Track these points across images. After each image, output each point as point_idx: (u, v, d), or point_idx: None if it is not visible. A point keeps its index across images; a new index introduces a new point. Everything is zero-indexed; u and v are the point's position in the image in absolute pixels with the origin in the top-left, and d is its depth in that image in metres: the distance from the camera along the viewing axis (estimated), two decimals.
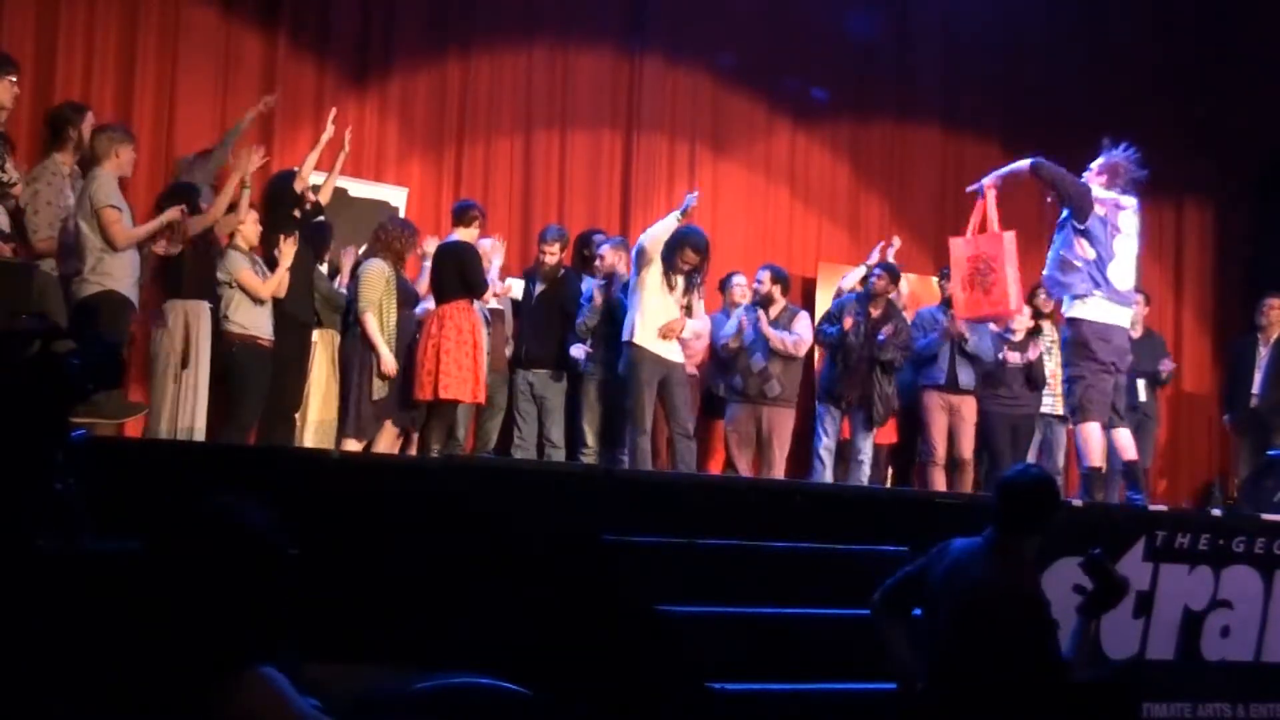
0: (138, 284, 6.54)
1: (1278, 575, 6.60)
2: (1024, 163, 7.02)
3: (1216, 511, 7.35)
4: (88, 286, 6.29)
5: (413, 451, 7.55)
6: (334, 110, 7.61)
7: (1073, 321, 6.82)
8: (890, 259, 8.79)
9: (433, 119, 9.15)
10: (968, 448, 8.42)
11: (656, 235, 7.37)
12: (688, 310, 7.54)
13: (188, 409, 6.50)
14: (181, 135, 8.11)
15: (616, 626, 5.01)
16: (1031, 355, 8.54)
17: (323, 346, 7.46)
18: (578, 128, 9.63)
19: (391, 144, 8.97)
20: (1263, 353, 9.17)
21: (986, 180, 7.20)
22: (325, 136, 7.39)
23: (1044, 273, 7.19)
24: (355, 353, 7.28)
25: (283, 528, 2.53)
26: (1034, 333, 8.67)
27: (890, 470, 9.16)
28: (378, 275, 7.25)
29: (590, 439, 7.92)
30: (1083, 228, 6.69)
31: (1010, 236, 7.08)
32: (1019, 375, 8.57)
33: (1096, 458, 6.72)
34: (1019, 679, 4.04)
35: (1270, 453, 8.28)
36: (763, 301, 8.35)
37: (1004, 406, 8.57)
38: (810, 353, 8.70)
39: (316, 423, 7.37)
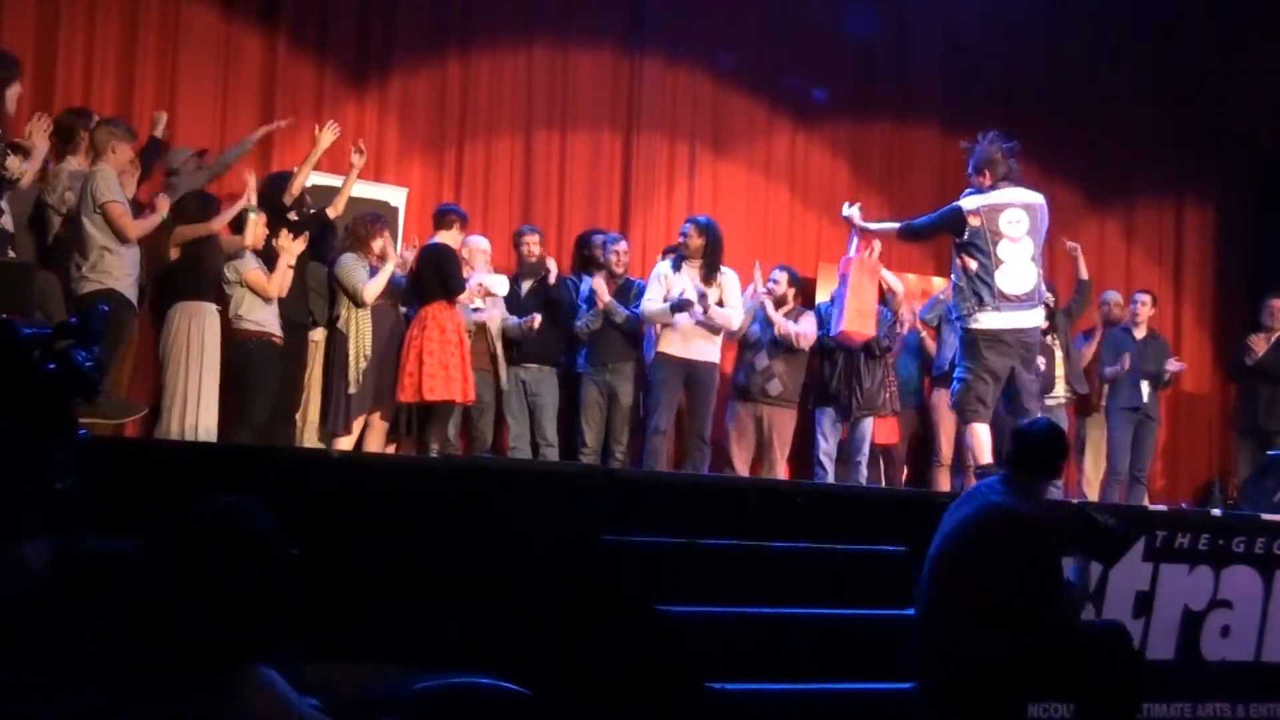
0: (137, 284, 6.53)
1: (1278, 575, 6.60)
2: (893, 227, 7.21)
3: (1216, 511, 7.34)
4: (86, 284, 6.25)
5: (395, 449, 7.56)
6: (331, 122, 7.59)
7: (964, 329, 6.67)
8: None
9: (433, 119, 9.13)
10: None
11: (650, 314, 7.80)
12: (719, 303, 7.59)
13: (194, 409, 6.51)
14: (181, 135, 8.08)
15: (616, 626, 5.01)
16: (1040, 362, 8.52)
17: (324, 346, 7.46)
18: (578, 128, 9.62)
19: (391, 144, 8.96)
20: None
21: (858, 220, 7.21)
22: (319, 149, 7.40)
23: None
24: (336, 349, 7.32)
25: (283, 528, 2.53)
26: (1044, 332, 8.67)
27: (906, 470, 9.10)
28: (354, 265, 7.34)
29: (590, 439, 7.92)
30: (962, 241, 6.59)
31: (845, 262, 7.44)
32: None
33: (986, 455, 6.68)
34: (1023, 593, 4.39)
35: (1270, 453, 8.29)
36: (777, 302, 8.35)
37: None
38: (810, 355, 8.69)
39: (316, 423, 7.38)
